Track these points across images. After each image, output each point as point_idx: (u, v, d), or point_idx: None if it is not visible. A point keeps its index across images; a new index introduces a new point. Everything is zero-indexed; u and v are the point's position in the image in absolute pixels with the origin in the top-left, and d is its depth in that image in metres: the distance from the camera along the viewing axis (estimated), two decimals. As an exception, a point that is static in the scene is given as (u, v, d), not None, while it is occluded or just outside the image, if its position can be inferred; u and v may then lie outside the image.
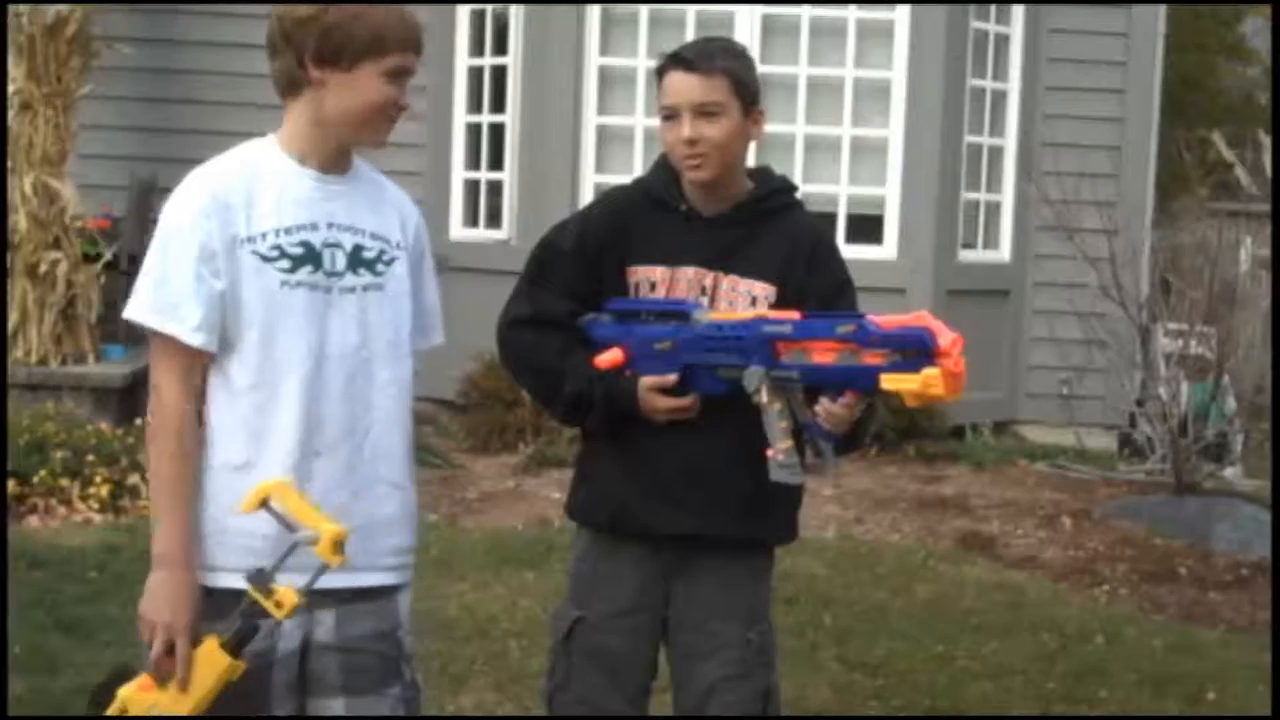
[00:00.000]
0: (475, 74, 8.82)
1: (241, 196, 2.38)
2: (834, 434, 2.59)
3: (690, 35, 8.40)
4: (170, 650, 2.30)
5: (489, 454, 7.70)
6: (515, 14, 8.53)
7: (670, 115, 2.76)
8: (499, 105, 8.66)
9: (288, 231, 2.39)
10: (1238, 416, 7.89)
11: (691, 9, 8.36)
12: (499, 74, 8.68)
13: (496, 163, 8.69)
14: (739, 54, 2.84)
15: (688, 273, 2.80)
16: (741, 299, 2.79)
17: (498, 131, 8.69)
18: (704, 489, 2.78)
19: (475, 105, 8.83)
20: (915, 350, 2.43)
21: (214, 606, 2.34)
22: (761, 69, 9.26)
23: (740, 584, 2.87)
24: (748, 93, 2.77)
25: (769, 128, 8.32)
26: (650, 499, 2.80)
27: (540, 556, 5.73)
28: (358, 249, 2.44)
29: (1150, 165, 9.16)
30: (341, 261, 2.43)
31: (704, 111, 2.73)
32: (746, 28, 8.30)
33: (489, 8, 8.75)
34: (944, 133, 8.48)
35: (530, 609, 5.12)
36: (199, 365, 2.39)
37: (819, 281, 2.80)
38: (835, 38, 8.43)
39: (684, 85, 2.74)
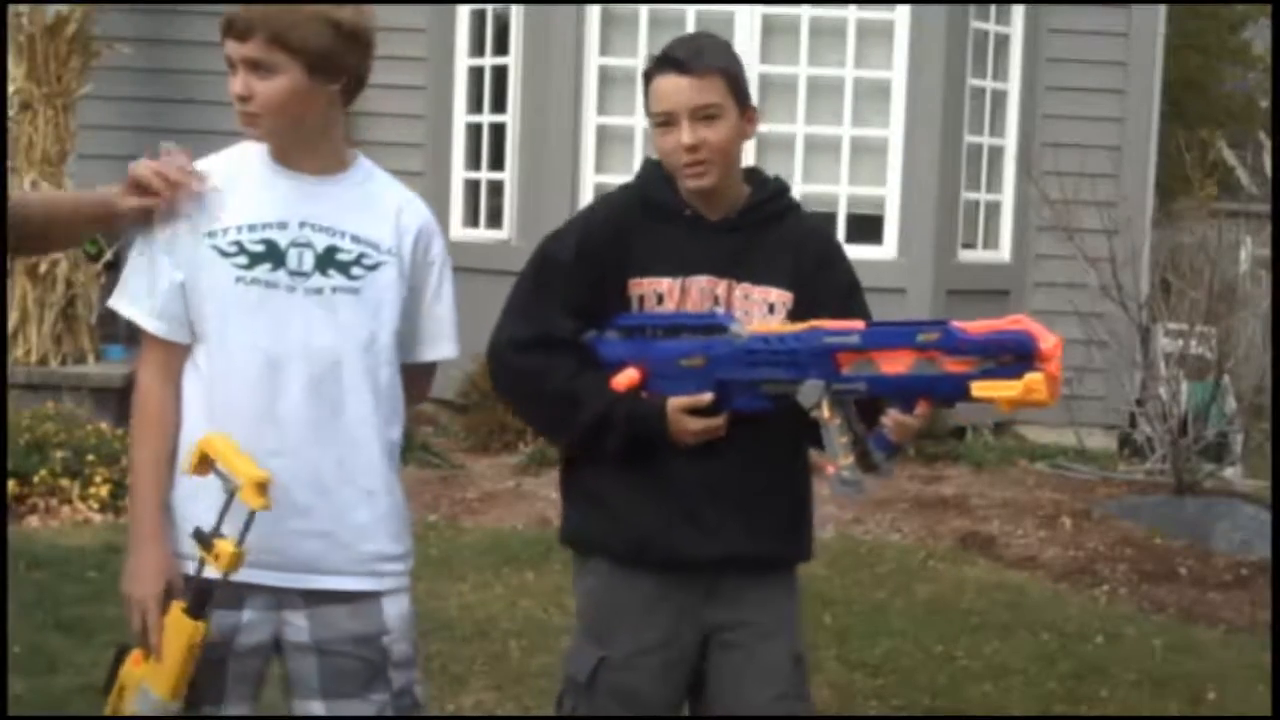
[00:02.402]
0: (475, 74, 8.83)
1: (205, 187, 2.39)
2: (898, 445, 2.48)
3: (690, 35, 8.39)
4: (151, 630, 2.32)
5: (489, 454, 7.70)
6: (515, 14, 8.54)
7: (666, 121, 2.60)
8: (499, 105, 8.67)
9: (251, 228, 2.37)
10: (1238, 416, 7.89)
11: (691, 9, 8.36)
12: (499, 74, 8.69)
13: (497, 163, 8.69)
14: (727, 50, 2.67)
15: (700, 282, 2.64)
16: (757, 307, 2.64)
17: (498, 131, 8.70)
18: (732, 509, 2.63)
19: (475, 105, 8.83)
20: (1013, 355, 2.31)
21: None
22: (761, 69, 9.25)
23: (778, 603, 2.74)
24: (742, 90, 2.63)
25: (770, 127, 8.41)
26: (676, 523, 2.62)
27: (540, 556, 5.73)
28: (331, 250, 2.40)
29: (1150, 165, 9.16)
30: (309, 262, 2.38)
31: (703, 115, 2.58)
32: (746, 28, 8.30)
33: (489, 8, 8.75)
34: (944, 133, 8.48)
35: (530, 609, 5.12)
36: (176, 356, 2.40)
37: (832, 284, 2.71)
38: (835, 38, 8.43)
39: (677, 88, 2.58)
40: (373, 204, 2.46)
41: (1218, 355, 7.74)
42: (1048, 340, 2.30)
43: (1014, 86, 9.01)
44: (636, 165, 9.59)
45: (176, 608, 2.30)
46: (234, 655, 2.39)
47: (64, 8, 7.65)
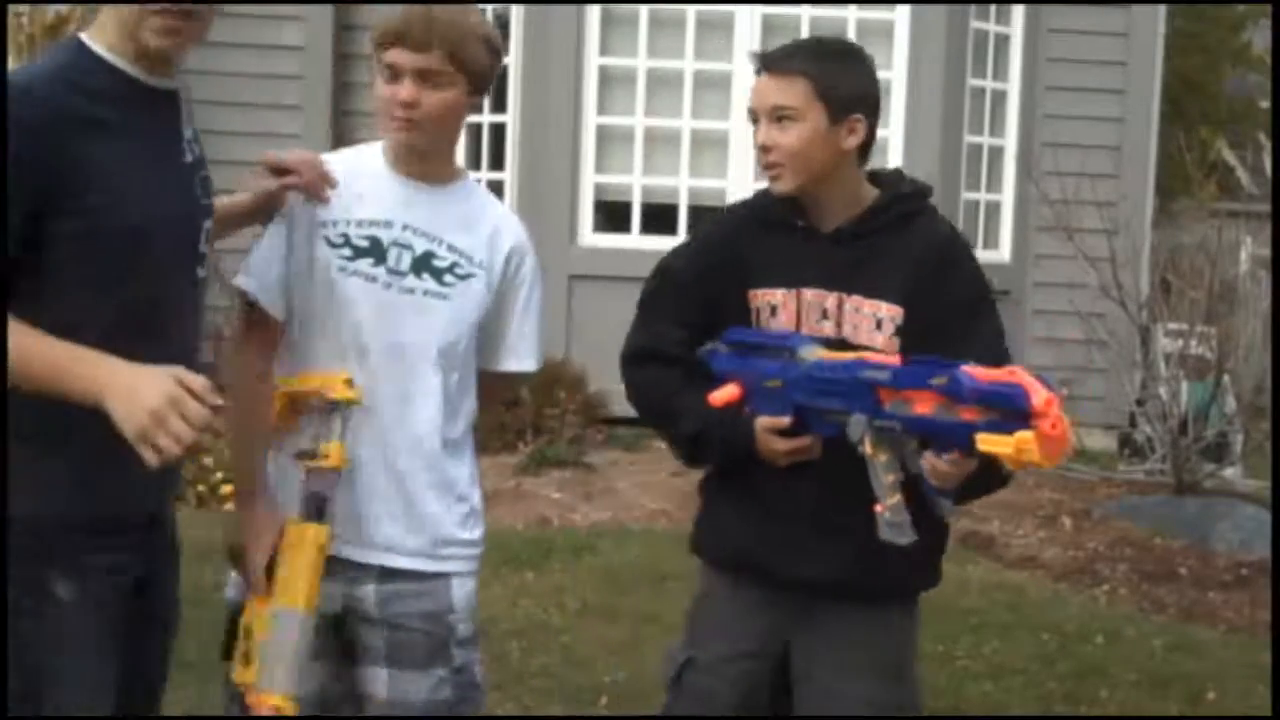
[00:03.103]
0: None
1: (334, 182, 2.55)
2: (945, 490, 2.36)
3: (690, 35, 8.41)
4: (256, 568, 2.45)
5: (489, 454, 7.68)
6: (515, 14, 8.54)
7: (754, 120, 2.59)
8: (499, 105, 8.67)
9: (359, 224, 2.52)
10: (1238, 416, 7.89)
11: (691, 9, 8.36)
12: (499, 74, 8.67)
13: (497, 163, 8.69)
14: (830, 54, 2.60)
15: (807, 295, 2.58)
16: (866, 322, 2.55)
17: (498, 131, 8.69)
18: (829, 532, 2.56)
19: (475, 105, 8.82)
20: (1008, 410, 2.18)
21: None
22: (761, 69, 8.96)
23: (869, 637, 2.65)
24: (835, 97, 2.52)
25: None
26: (772, 541, 2.61)
27: (540, 556, 5.73)
28: (428, 255, 2.53)
29: (1150, 165, 9.15)
30: (407, 262, 2.52)
31: (778, 116, 2.54)
32: (746, 28, 8.30)
33: (489, 8, 8.74)
34: (944, 133, 8.48)
35: (530, 609, 5.12)
36: (273, 332, 2.54)
37: (948, 299, 2.55)
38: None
39: (760, 88, 2.58)
40: (472, 218, 2.60)
41: (1218, 355, 7.74)
42: (1039, 395, 2.15)
43: (1014, 86, 9.01)
44: (637, 165, 9.62)
45: (292, 524, 2.44)
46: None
47: (64, 8, 7.65)
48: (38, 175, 2.08)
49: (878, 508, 2.39)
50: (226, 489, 6.19)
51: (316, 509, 2.43)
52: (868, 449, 2.39)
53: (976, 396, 2.22)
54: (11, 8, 7.50)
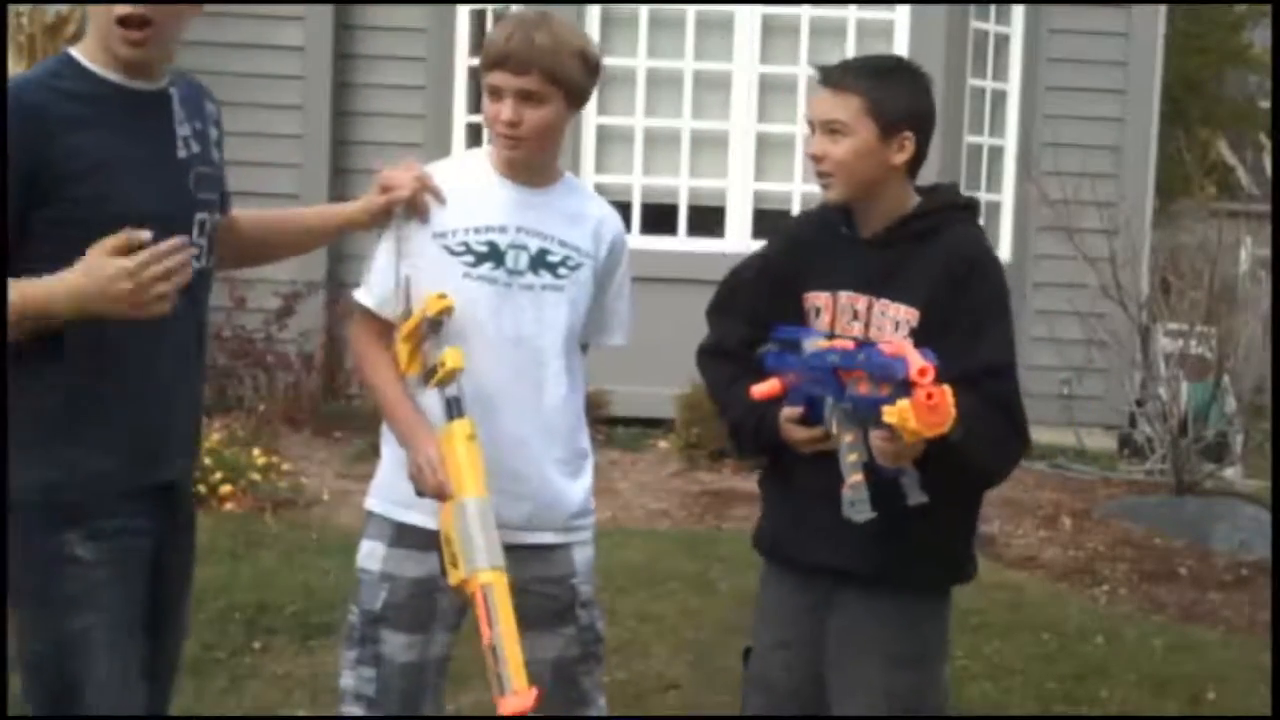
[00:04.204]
0: (475, 74, 8.77)
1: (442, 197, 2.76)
2: (897, 469, 2.48)
3: (690, 35, 8.41)
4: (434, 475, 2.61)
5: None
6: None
7: (811, 131, 2.74)
8: (499, 105, 8.66)
9: (476, 230, 2.73)
10: (1238, 416, 7.89)
11: (691, 9, 8.37)
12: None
13: (496, 163, 8.68)
14: (884, 72, 2.72)
15: (843, 297, 2.73)
16: (888, 324, 2.67)
17: (498, 131, 8.69)
18: (846, 522, 2.56)
19: (475, 105, 8.81)
20: (895, 381, 2.36)
21: (408, 537, 2.74)
22: (761, 69, 9.14)
23: (887, 624, 2.72)
24: (885, 114, 2.65)
25: (769, 127, 8.39)
26: (798, 529, 2.77)
27: (540, 556, 5.73)
28: (542, 253, 2.77)
29: (1150, 165, 9.16)
30: (524, 262, 2.75)
31: (829, 129, 2.67)
32: (746, 28, 8.30)
33: (489, 8, 8.75)
34: (944, 133, 8.44)
35: (530, 609, 5.12)
36: (389, 328, 2.74)
37: (962, 306, 2.65)
38: (835, 38, 8.43)
39: (816, 101, 2.72)
40: (577, 214, 2.84)
41: (1218, 355, 7.74)
42: (914, 365, 2.34)
43: (1014, 86, 9.01)
44: (636, 165, 9.59)
45: (444, 428, 2.61)
46: (440, 590, 2.69)
47: (64, 8, 7.66)
48: (24, 170, 2.25)
49: (844, 487, 2.50)
50: (226, 489, 6.20)
51: (455, 409, 2.61)
52: (833, 429, 2.55)
53: (877, 371, 2.42)
54: (11, 8, 7.50)
